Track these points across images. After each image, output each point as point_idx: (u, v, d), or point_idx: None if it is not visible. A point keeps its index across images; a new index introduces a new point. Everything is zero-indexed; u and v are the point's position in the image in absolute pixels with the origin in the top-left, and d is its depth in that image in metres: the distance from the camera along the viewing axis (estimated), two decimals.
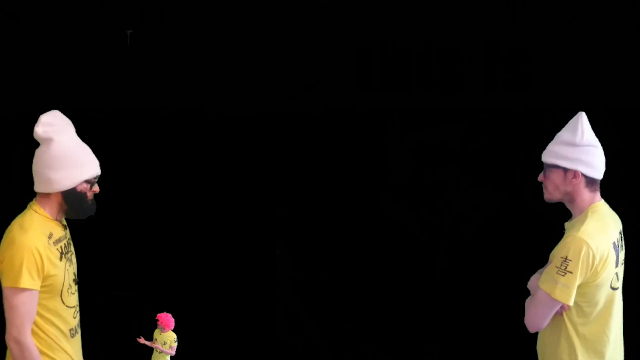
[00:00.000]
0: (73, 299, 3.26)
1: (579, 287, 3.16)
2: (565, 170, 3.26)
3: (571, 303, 3.16)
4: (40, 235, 3.08)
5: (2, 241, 3.12)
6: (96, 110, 7.15)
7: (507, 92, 6.93)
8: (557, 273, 3.15)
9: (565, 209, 3.38)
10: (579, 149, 3.25)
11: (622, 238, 3.37)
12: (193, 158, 7.42)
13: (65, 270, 3.18)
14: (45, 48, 6.97)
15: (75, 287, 3.29)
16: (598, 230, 3.19)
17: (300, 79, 7.23)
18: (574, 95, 6.58)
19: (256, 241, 7.50)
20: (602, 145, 3.32)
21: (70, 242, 3.31)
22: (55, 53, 6.99)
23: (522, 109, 6.92)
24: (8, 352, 3.14)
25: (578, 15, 6.61)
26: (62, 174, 3.13)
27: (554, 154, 3.30)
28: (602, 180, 3.34)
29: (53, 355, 3.15)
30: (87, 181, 3.20)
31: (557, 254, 3.20)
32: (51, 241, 3.12)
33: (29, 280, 3.02)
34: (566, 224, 3.35)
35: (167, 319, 6.65)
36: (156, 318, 6.69)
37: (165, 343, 6.61)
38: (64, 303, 3.17)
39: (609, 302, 3.26)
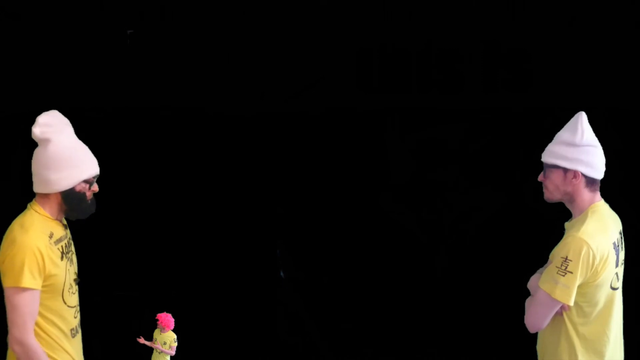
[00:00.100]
0: (74, 299, 3.26)
1: (579, 287, 3.17)
2: (565, 170, 3.27)
3: (571, 303, 3.17)
4: (41, 235, 3.09)
5: (3, 241, 3.12)
6: (96, 110, 7.14)
7: (507, 92, 6.92)
8: (557, 273, 3.15)
9: (565, 209, 3.39)
10: (579, 149, 3.25)
11: (622, 238, 3.37)
12: (193, 158, 7.42)
13: (66, 270, 3.18)
14: (45, 48, 6.96)
15: (76, 287, 3.29)
16: (598, 230, 3.19)
17: (300, 79, 7.22)
18: (574, 95, 6.58)
19: (256, 241, 7.50)
20: (602, 145, 3.32)
21: (71, 241, 3.31)
22: (55, 53, 6.98)
23: (522, 109, 6.91)
24: (8, 352, 3.14)
25: (578, 15, 6.61)
26: (60, 174, 3.13)
27: (553, 154, 3.30)
28: (602, 180, 3.34)
29: (54, 355, 3.15)
30: (85, 181, 3.20)
31: (557, 254, 3.20)
32: (52, 241, 3.12)
33: (30, 279, 3.02)
34: (566, 224, 3.35)
35: (167, 319, 6.65)
36: (156, 318, 6.67)
37: (165, 343, 6.61)
38: (65, 303, 3.18)
39: (609, 302, 3.27)
